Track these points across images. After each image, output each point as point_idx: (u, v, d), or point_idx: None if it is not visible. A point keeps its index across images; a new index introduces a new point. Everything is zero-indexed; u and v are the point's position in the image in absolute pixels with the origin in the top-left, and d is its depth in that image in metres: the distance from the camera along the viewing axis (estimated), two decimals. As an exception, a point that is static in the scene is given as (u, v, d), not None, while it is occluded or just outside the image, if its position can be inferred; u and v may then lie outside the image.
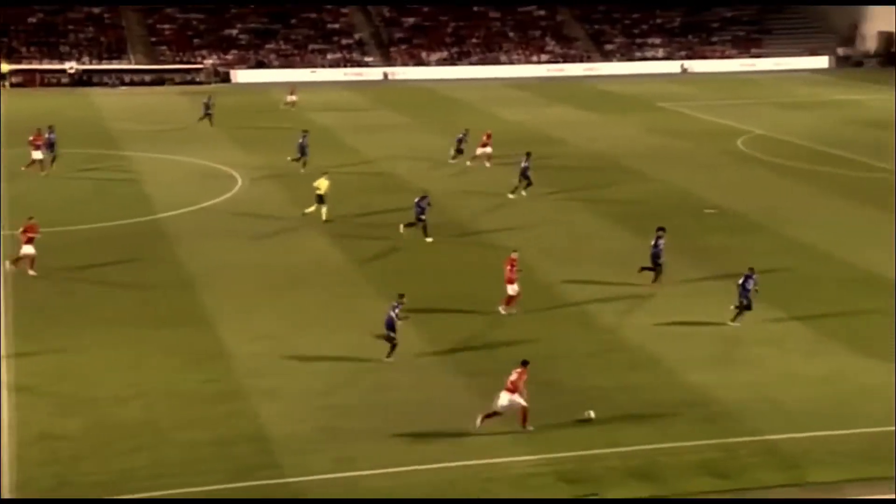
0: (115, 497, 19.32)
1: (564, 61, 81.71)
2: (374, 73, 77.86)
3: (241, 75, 75.72)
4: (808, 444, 21.22)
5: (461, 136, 46.86)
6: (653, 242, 30.24)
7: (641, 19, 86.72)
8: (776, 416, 22.41)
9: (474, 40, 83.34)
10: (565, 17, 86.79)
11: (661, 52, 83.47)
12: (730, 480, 19.88)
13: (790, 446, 21.12)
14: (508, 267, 28.32)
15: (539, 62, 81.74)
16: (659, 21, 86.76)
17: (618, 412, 22.60)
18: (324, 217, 36.62)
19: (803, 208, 39.45)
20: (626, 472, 20.26)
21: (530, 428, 21.70)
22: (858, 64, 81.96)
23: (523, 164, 40.69)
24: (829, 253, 33.55)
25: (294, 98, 62.11)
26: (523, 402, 21.65)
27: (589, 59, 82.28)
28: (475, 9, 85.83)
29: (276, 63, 78.58)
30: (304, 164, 44.03)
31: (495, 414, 21.64)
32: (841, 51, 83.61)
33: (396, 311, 24.91)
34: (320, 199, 36.79)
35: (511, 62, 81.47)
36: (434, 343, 26.30)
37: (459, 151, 46.56)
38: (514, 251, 29.17)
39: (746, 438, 21.41)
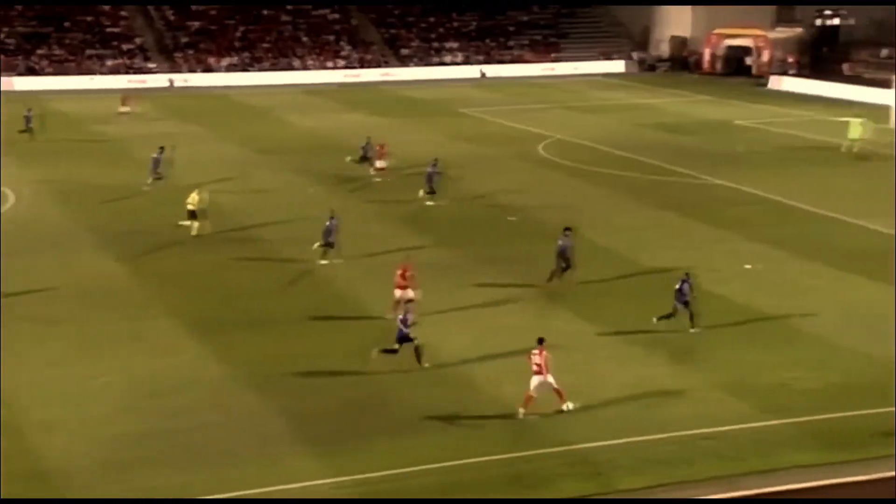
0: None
1: (361, 66, 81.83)
2: (158, 80, 76.03)
3: (16, 83, 72.85)
4: (616, 451, 21.64)
5: (364, 144, 47.03)
6: (560, 242, 31.16)
7: (437, 23, 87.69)
8: (585, 424, 22.78)
9: (265, 45, 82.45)
10: (360, 21, 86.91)
11: (459, 57, 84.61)
12: (536, 491, 20.09)
13: (599, 455, 21.52)
14: (400, 272, 28.49)
15: (335, 67, 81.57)
16: (455, 25, 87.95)
17: (424, 428, 22.59)
18: (193, 231, 36.16)
19: (605, 213, 40.54)
20: (432, 489, 20.20)
21: (569, 405, 22.96)
22: (652, 68, 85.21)
23: (429, 171, 41.51)
24: (632, 258, 34.53)
25: (127, 109, 60.15)
26: (553, 383, 22.84)
27: (386, 65, 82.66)
28: (265, 12, 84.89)
29: (48, 70, 75.72)
30: (157, 181, 42.99)
31: (530, 399, 22.80)
32: (636, 55, 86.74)
33: (405, 320, 24.98)
34: (193, 215, 36.40)
35: (306, 68, 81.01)
36: (228, 363, 25.71)
37: (365, 159, 46.60)
38: (407, 257, 29.50)
39: (555, 449, 21.68)
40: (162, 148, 44.00)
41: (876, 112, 57.67)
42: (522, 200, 42.22)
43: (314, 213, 38.98)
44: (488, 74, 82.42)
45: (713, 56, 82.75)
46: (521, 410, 22.79)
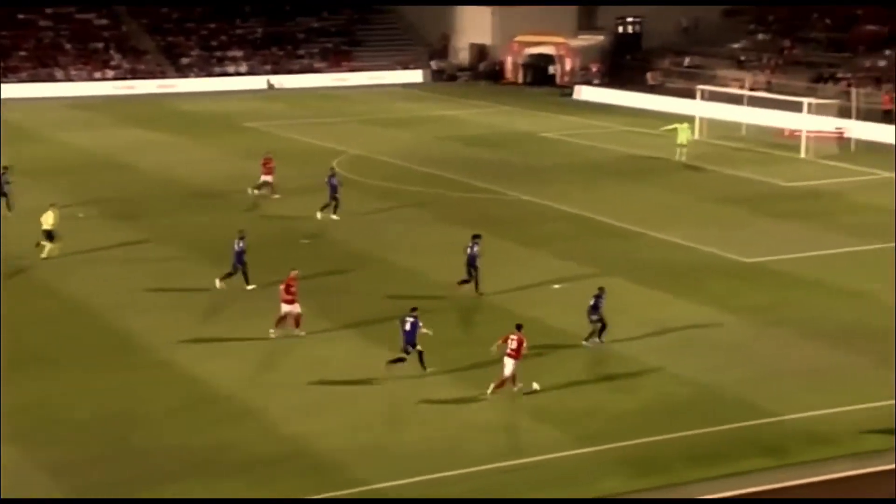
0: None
1: (134, 77, 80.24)
2: None
3: None
4: (414, 490, 21.71)
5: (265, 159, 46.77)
6: (468, 249, 33.14)
7: (219, 30, 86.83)
8: (384, 463, 22.82)
9: (22, 53, 79.81)
10: (131, 27, 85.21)
11: (244, 67, 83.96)
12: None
13: (399, 493, 21.58)
14: (284, 287, 29.16)
15: (104, 78, 79.73)
16: (239, 32, 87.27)
17: (206, 472, 22.22)
18: (44, 254, 35.91)
19: (408, 234, 40.81)
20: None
21: (536, 386, 25.99)
22: (453, 78, 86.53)
23: (331, 182, 42.34)
24: (439, 280, 34.85)
25: None
26: (509, 372, 25.72)
27: (162, 75, 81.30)
28: (21, 16, 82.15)
29: None
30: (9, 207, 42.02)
31: (503, 383, 25.65)
32: (434, 64, 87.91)
33: (413, 321, 26.69)
34: (49, 236, 36.54)
35: (70, 79, 78.86)
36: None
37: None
38: (294, 270, 30.01)
39: (353, 490, 21.66)
40: (6, 167, 42.92)
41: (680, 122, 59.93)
42: (317, 222, 42.13)
43: (89, 240, 38.04)
44: (277, 85, 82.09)
45: (515, 65, 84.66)
46: (489, 392, 25.66)
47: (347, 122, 66.94)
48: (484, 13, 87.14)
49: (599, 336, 29.37)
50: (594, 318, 29.38)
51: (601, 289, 29.76)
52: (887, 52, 73.89)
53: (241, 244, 33.34)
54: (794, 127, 59.23)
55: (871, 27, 77.53)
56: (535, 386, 26.14)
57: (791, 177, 50.84)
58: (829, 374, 27.75)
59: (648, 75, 78.58)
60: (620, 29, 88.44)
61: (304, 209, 43.84)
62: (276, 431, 24.22)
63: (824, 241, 39.85)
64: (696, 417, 24.98)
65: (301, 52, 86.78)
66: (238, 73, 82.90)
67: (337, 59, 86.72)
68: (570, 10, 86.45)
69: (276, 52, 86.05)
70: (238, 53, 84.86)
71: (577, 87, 79.26)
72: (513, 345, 25.86)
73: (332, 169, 43.08)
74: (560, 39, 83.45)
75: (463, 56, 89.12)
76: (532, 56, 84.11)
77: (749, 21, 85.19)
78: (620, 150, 57.41)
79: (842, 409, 25.43)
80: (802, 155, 55.46)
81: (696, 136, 54.94)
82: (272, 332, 29.34)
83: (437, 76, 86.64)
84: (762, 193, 47.61)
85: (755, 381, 27.22)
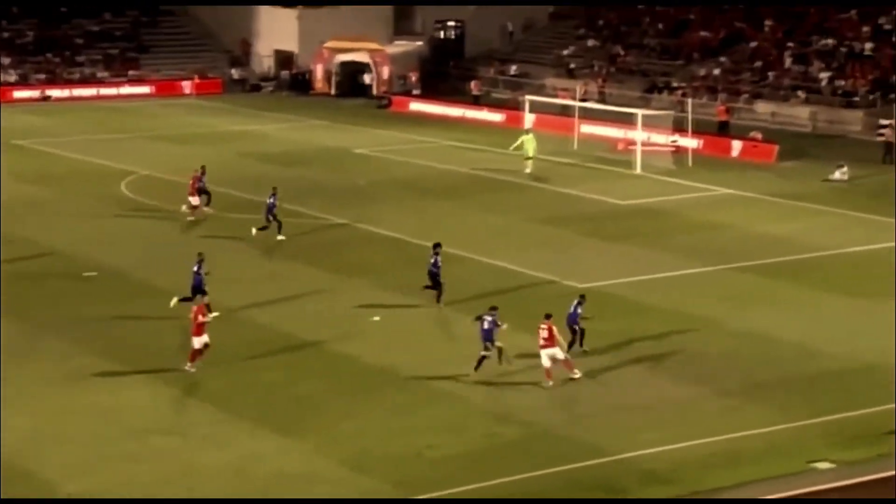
0: None
1: None
2: None
3: None
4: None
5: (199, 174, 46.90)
6: (431, 260, 35.74)
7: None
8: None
9: None
10: None
11: (13, 76, 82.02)
12: None
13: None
14: (193, 315, 29.92)
15: None
16: (7, 35, 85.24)
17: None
18: None
19: (211, 263, 40.44)
20: None
21: (576, 373, 29.71)
22: (256, 88, 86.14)
23: (269, 202, 43.35)
24: (246, 318, 34.69)
25: None
26: (562, 355, 29.38)
27: (-81, 86, 78.91)
28: None
29: None
30: None
31: (549, 372, 29.21)
32: (234, 73, 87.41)
33: (492, 320, 29.78)
34: None
35: None
36: None
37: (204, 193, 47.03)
38: (205, 295, 31.67)
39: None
40: None
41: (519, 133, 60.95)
42: (102, 254, 41.45)
43: None
44: (53, 96, 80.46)
45: (326, 73, 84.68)
46: (548, 382, 29.17)
47: (135, 138, 66.04)
48: (289, 16, 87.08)
49: (581, 343, 31.52)
50: (575, 327, 31.49)
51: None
52: (722, 59, 76.81)
53: (199, 268, 34.39)
54: (627, 140, 60.89)
55: (703, 33, 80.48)
56: (578, 373, 29.73)
57: (625, 194, 52.23)
58: (669, 408, 28.59)
59: (472, 84, 79.74)
60: (441, 34, 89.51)
61: (85, 239, 43.10)
62: (56, 491, 23.86)
63: (661, 263, 41.00)
64: (526, 459, 25.45)
65: (80, 58, 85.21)
66: (6, 84, 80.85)
67: (122, 67, 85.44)
68: (385, 14, 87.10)
69: (52, 59, 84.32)
70: (6, 60, 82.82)
71: (394, 98, 79.84)
72: (544, 334, 29.22)
73: (274, 189, 43.91)
74: (374, 46, 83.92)
75: (267, 64, 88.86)
76: (343, 64, 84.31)
77: (578, 25, 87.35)
78: (442, 167, 58.05)
79: (684, 444, 26.23)
80: (637, 170, 57.03)
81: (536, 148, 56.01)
82: (190, 368, 29.93)
83: (238, 86, 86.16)
84: (595, 213, 48.79)
85: (591, 418, 27.94)
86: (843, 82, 70.96)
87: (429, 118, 74.04)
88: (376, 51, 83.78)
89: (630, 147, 59.40)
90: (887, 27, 74.31)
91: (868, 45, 73.36)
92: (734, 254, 42.07)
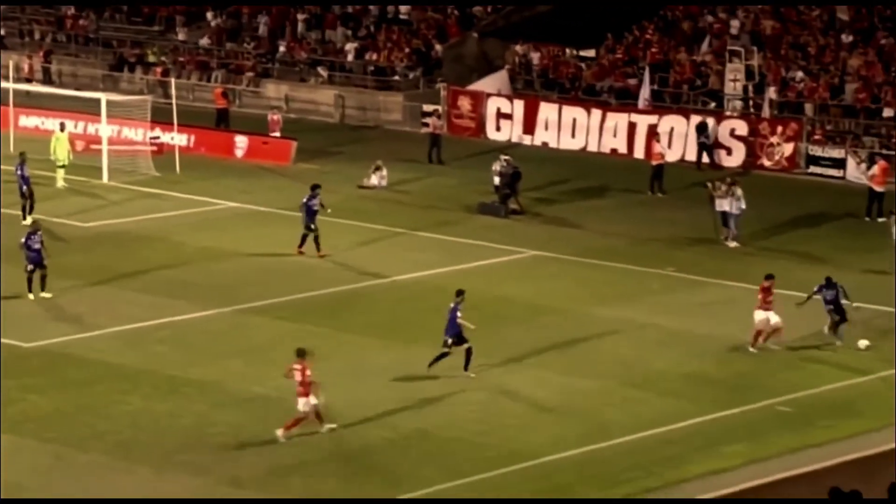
0: None
1: None
2: None
3: None
4: None
5: None
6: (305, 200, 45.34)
7: None
8: None
9: None
10: None
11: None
12: None
13: None
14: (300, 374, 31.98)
15: None
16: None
17: None
18: None
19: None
20: None
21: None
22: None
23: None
24: None
25: None
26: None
27: None
28: None
29: None
30: None
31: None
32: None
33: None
34: None
35: None
36: None
37: None
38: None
39: None
40: None
41: None
42: None
43: None
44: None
45: None
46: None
47: None
48: None
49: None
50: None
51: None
52: (216, 24, 76.51)
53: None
54: (89, 137, 59.76)
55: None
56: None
57: (88, 215, 51.26)
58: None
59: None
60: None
61: None
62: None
63: (147, 308, 40.64)
64: None
65: None
66: None
67: None
68: None
69: None
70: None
71: None
72: (768, 297, 37.02)
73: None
74: None
75: None
76: None
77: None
78: None
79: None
80: (105, 179, 55.90)
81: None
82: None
83: None
84: (55, 240, 46.43)
85: None
86: (375, 55, 71.91)
87: None
88: None
89: (93, 147, 58.05)
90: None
91: (403, 7, 74.34)
92: (241, 291, 42.37)
